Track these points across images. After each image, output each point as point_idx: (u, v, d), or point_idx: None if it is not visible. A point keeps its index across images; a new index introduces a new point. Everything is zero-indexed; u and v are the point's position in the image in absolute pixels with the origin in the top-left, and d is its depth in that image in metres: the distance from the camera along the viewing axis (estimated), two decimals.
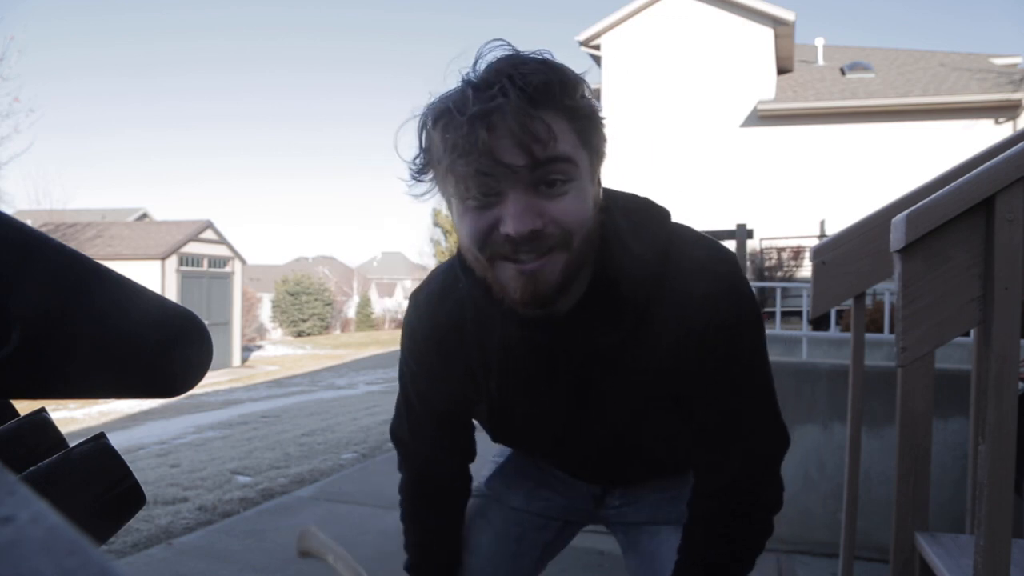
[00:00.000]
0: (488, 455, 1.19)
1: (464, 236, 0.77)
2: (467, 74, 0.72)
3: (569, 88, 0.71)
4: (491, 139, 0.68)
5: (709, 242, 0.87)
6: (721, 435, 0.87)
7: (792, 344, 5.26)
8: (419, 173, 0.77)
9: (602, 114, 0.76)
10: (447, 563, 1.08)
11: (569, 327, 0.83)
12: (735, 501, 0.89)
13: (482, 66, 0.72)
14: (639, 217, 0.85)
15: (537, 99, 0.69)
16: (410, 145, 0.77)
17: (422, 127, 0.75)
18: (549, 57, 0.74)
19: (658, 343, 0.83)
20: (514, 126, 0.68)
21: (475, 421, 1.04)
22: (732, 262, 0.86)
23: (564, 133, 0.71)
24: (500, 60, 0.72)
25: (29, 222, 0.44)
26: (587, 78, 0.76)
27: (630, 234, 0.82)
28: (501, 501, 1.13)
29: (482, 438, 1.05)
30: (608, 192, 0.86)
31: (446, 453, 1.05)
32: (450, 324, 0.91)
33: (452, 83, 0.74)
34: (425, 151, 0.76)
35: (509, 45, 0.74)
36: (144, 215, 24.66)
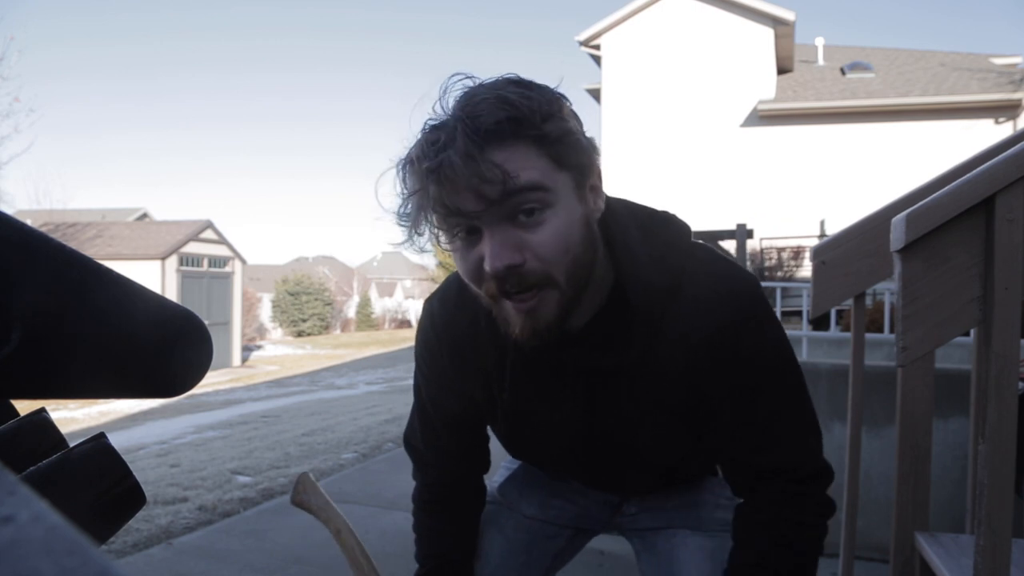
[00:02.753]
0: (501, 459, 1.19)
1: (462, 274, 0.78)
2: (428, 119, 0.72)
3: (526, 120, 0.69)
4: (443, 192, 0.69)
5: (728, 260, 0.87)
6: (754, 449, 0.85)
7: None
8: (409, 224, 0.76)
9: (576, 132, 0.74)
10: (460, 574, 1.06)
11: (583, 343, 0.82)
12: (778, 514, 0.86)
13: (439, 108, 0.72)
14: (655, 230, 0.84)
15: (488, 140, 0.68)
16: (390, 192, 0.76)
17: (397, 176, 0.75)
18: (511, 82, 0.72)
19: (674, 352, 0.82)
20: (461, 174, 0.68)
21: (491, 433, 1.03)
22: (751, 280, 0.85)
23: (530, 160, 0.70)
24: (457, 102, 0.71)
25: (29, 222, 0.44)
26: (566, 90, 0.75)
27: (642, 246, 0.81)
28: (513, 508, 1.12)
29: (496, 446, 1.05)
30: (625, 204, 0.86)
31: (459, 463, 1.04)
32: (464, 331, 0.91)
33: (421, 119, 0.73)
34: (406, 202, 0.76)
35: (470, 78, 0.73)
36: (144, 215, 24.65)
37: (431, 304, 0.96)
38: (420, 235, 0.75)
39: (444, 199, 0.70)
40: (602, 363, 0.83)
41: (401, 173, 0.74)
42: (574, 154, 0.73)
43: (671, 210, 0.89)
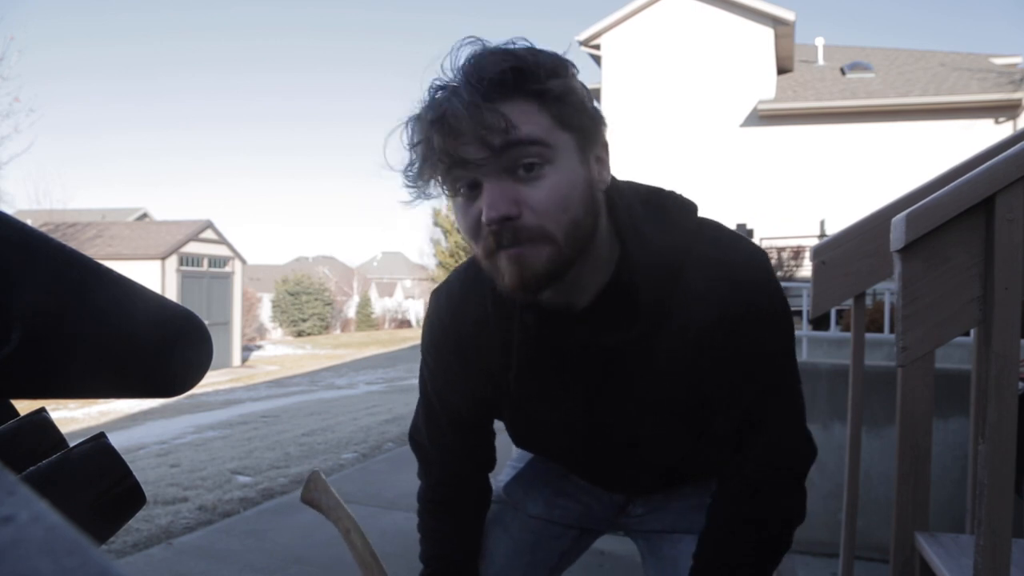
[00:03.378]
0: (507, 459, 1.18)
1: (462, 230, 0.78)
2: (435, 78, 0.74)
3: (531, 73, 0.70)
4: (447, 141, 0.70)
5: (738, 238, 0.86)
6: (740, 438, 0.86)
7: None
8: (414, 178, 0.77)
9: (580, 94, 0.74)
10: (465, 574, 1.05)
11: (586, 324, 0.82)
12: (753, 508, 0.87)
13: (447, 64, 0.73)
14: (662, 207, 0.83)
15: (492, 90, 0.69)
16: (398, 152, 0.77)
17: (404, 133, 0.76)
18: (519, 44, 0.73)
19: (676, 340, 0.81)
20: (466, 122, 0.69)
21: (496, 425, 1.02)
22: (760, 259, 0.84)
23: (532, 115, 0.71)
24: (465, 58, 0.72)
25: (29, 222, 0.43)
26: (575, 70, 0.75)
27: (646, 224, 0.81)
28: (519, 508, 1.11)
29: (502, 444, 1.04)
30: (630, 184, 0.86)
31: (464, 460, 1.03)
32: (471, 323, 0.90)
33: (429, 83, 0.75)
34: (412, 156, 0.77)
35: (480, 41, 0.74)
36: (144, 215, 24.66)
37: (438, 296, 0.96)
38: (425, 186, 0.76)
39: (448, 148, 0.71)
40: (604, 342, 0.83)
41: (408, 128, 0.75)
42: (577, 115, 0.74)
43: (693, 199, 0.88)
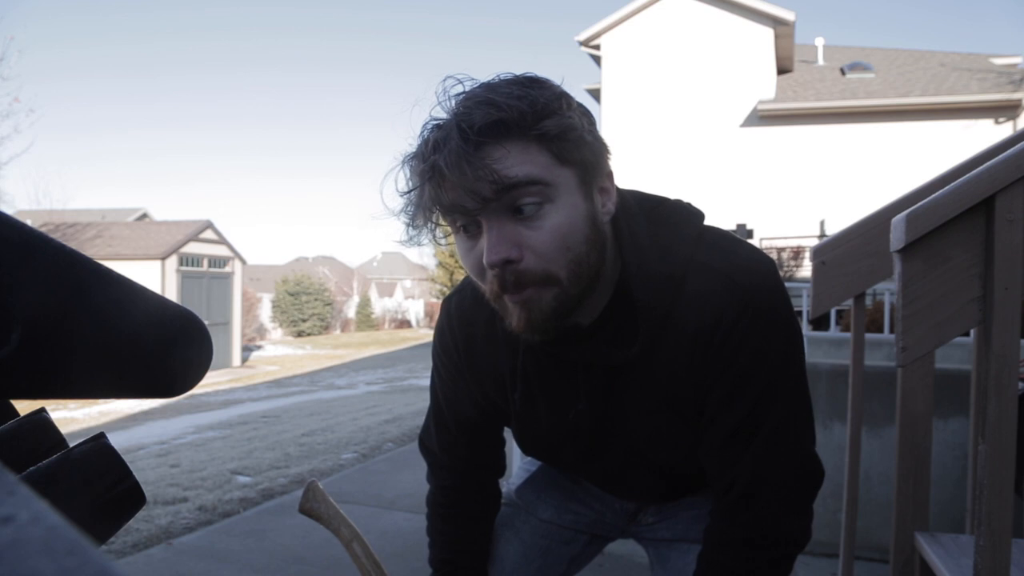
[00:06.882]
0: (520, 462, 1.18)
1: (466, 269, 0.78)
2: (426, 121, 0.73)
3: (523, 119, 0.69)
4: (440, 192, 0.70)
5: (742, 245, 0.84)
6: (731, 454, 0.83)
7: None
8: (409, 222, 0.77)
9: (580, 129, 0.72)
10: None
11: (590, 340, 0.82)
12: (746, 523, 0.84)
13: (439, 108, 0.73)
14: (664, 217, 0.83)
15: (483, 139, 0.68)
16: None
17: (401, 173, 0.76)
18: (508, 87, 0.71)
19: (678, 344, 0.80)
20: (456, 175, 0.68)
21: (505, 432, 1.02)
22: (764, 265, 0.81)
23: (529, 156, 0.70)
24: (457, 103, 0.71)
25: (29, 222, 0.44)
26: (572, 84, 0.75)
27: (648, 237, 0.80)
28: (530, 512, 1.11)
29: (512, 449, 1.04)
30: (635, 194, 0.85)
31: (473, 465, 1.03)
32: (479, 331, 0.91)
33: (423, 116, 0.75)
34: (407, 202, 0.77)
35: (461, 83, 0.73)
36: (144, 215, 24.67)
37: (449, 304, 0.96)
38: (419, 232, 0.77)
39: (441, 198, 0.71)
40: (608, 359, 0.82)
41: (403, 173, 0.75)
42: (577, 150, 0.72)
43: (701, 208, 0.87)
